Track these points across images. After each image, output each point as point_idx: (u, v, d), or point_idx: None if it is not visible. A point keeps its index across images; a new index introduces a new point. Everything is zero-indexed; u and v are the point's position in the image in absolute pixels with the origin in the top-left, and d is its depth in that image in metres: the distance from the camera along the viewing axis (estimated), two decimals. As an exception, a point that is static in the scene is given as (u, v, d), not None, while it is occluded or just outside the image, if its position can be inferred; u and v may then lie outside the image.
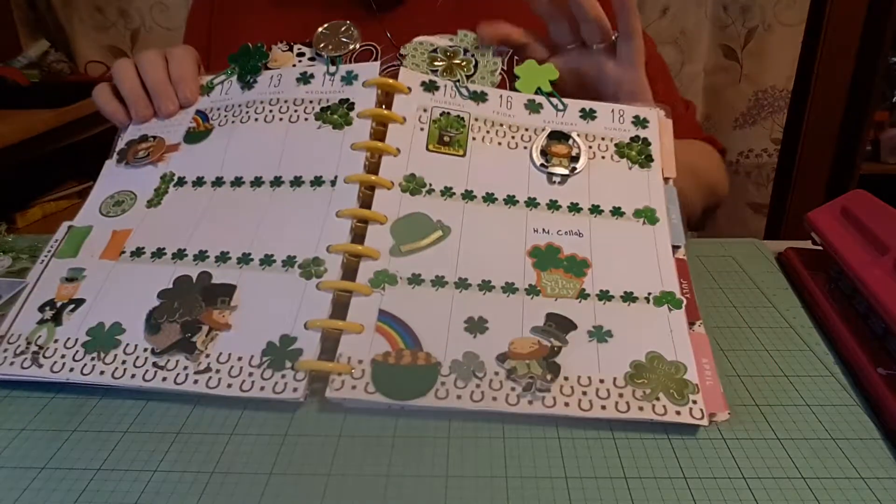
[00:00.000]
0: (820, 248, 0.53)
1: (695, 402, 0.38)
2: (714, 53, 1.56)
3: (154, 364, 0.40)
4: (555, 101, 0.54)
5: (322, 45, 0.57)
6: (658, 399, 0.38)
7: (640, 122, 0.53)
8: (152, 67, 0.58)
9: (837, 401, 0.40)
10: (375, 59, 0.70)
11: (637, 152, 0.51)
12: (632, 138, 0.52)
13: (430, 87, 0.53)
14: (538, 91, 0.55)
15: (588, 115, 0.53)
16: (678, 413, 0.37)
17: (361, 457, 0.36)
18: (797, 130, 1.58)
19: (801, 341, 0.46)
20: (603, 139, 0.52)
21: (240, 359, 0.40)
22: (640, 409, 0.37)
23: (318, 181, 0.49)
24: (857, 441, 0.37)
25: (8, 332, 0.43)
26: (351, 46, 0.57)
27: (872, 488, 0.34)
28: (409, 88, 0.52)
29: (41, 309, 0.44)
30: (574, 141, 0.52)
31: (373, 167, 0.49)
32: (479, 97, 0.53)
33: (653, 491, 0.33)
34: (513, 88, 0.55)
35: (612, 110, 0.53)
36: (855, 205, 0.52)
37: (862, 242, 0.48)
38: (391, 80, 0.52)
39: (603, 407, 0.38)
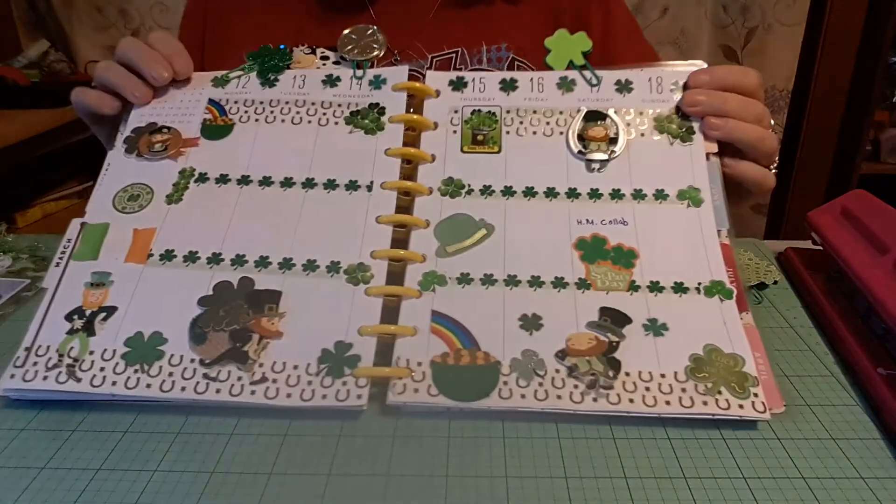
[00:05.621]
0: (820, 248, 0.53)
1: (756, 395, 0.38)
2: (714, 53, 1.56)
3: (205, 375, 0.39)
4: (588, 74, 0.52)
5: (347, 48, 0.56)
6: (720, 393, 0.38)
7: (678, 89, 0.50)
8: (135, 48, 0.53)
9: (837, 401, 0.40)
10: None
11: (678, 126, 0.49)
12: (671, 109, 0.50)
13: (458, 85, 0.52)
14: (570, 65, 0.52)
15: (624, 87, 0.51)
16: (741, 407, 0.37)
17: (361, 457, 0.36)
18: (797, 130, 1.58)
19: (801, 341, 0.46)
20: (641, 113, 0.50)
21: (295, 367, 0.39)
22: (705, 403, 0.37)
23: (353, 185, 0.48)
24: (857, 441, 0.37)
25: (34, 343, 0.41)
26: (376, 52, 0.56)
27: (872, 488, 0.34)
28: (438, 91, 0.52)
29: (69, 318, 0.42)
30: (611, 120, 0.50)
31: (408, 172, 0.49)
32: (509, 85, 0.52)
33: (652, 491, 0.33)
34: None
35: (650, 78, 0.51)
36: (855, 205, 0.52)
37: (862, 242, 0.48)
38: (419, 84, 0.52)
39: (667, 402, 0.37)
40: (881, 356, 0.41)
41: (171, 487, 0.34)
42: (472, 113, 0.51)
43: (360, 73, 0.54)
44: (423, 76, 0.53)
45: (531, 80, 0.52)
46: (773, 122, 0.52)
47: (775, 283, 0.54)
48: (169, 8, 1.61)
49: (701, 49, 1.55)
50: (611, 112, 0.50)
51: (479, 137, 0.50)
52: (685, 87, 0.50)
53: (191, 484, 0.34)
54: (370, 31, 0.57)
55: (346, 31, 0.57)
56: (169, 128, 0.52)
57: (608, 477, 0.34)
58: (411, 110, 0.52)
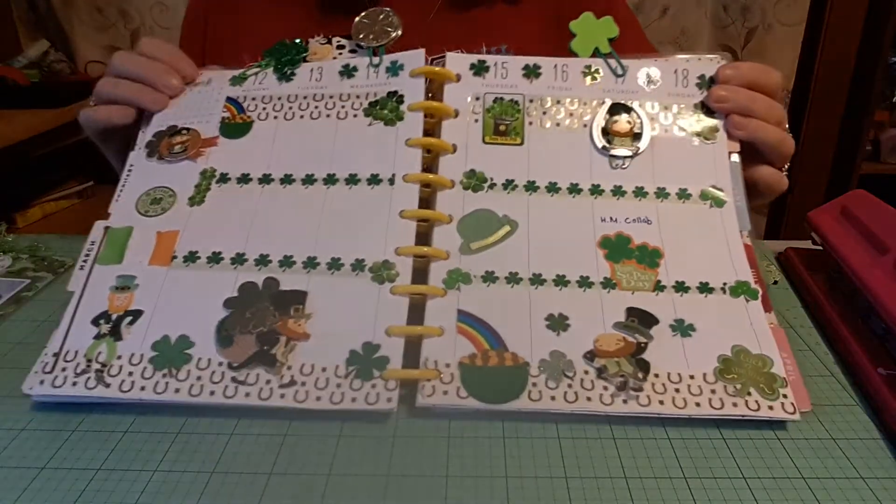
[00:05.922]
0: (820, 248, 0.53)
1: (785, 396, 0.38)
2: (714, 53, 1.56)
3: (233, 379, 0.39)
4: (613, 63, 0.51)
5: (362, 35, 0.54)
6: (749, 394, 0.38)
7: (704, 84, 0.50)
8: (137, 62, 0.54)
9: (837, 401, 0.40)
10: None
11: (701, 123, 0.49)
12: (696, 105, 0.49)
13: (479, 69, 0.51)
14: (596, 52, 0.51)
15: (649, 79, 0.50)
16: (770, 408, 0.37)
17: (361, 457, 0.36)
18: (797, 130, 1.58)
19: (801, 341, 0.46)
20: (665, 108, 0.49)
21: (324, 369, 0.39)
22: (735, 405, 0.37)
23: (374, 179, 0.47)
24: (857, 441, 0.37)
25: (62, 348, 0.41)
26: (393, 34, 0.54)
27: (872, 488, 0.34)
28: (459, 76, 0.51)
29: (95, 322, 0.42)
30: (636, 114, 0.49)
31: (428, 161, 0.48)
32: (532, 71, 0.51)
33: (652, 491, 0.33)
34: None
35: (675, 70, 0.50)
36: (855, 205, 0.52)
37: (862, 242, 0.48)
38: (438, 69, 0.51)
39: (697, 404, 0.38)
40: (881, 356, 0.41)
41: (171, 487, 0.34)
42: (494, 101, 0.50)
43: (376, 59, 0.53)
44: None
45: (555, 66, 0.51)
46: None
47: (775, 283, 0.54)
48: (169, 8, 1.61)
49: (701, 49, 1.55)
50: (635, 106, 0.49)
51: (502, 128, 0.49)
52: (711, 81, 0.50)
53: (191, 484, 0.34)
54: (383, 14, 0.55)
55: (358, 18, 0.55)
56: (188, 129, 0.52)
57: (608, 477, 0.34)
58: (430, 95, 0.51)
